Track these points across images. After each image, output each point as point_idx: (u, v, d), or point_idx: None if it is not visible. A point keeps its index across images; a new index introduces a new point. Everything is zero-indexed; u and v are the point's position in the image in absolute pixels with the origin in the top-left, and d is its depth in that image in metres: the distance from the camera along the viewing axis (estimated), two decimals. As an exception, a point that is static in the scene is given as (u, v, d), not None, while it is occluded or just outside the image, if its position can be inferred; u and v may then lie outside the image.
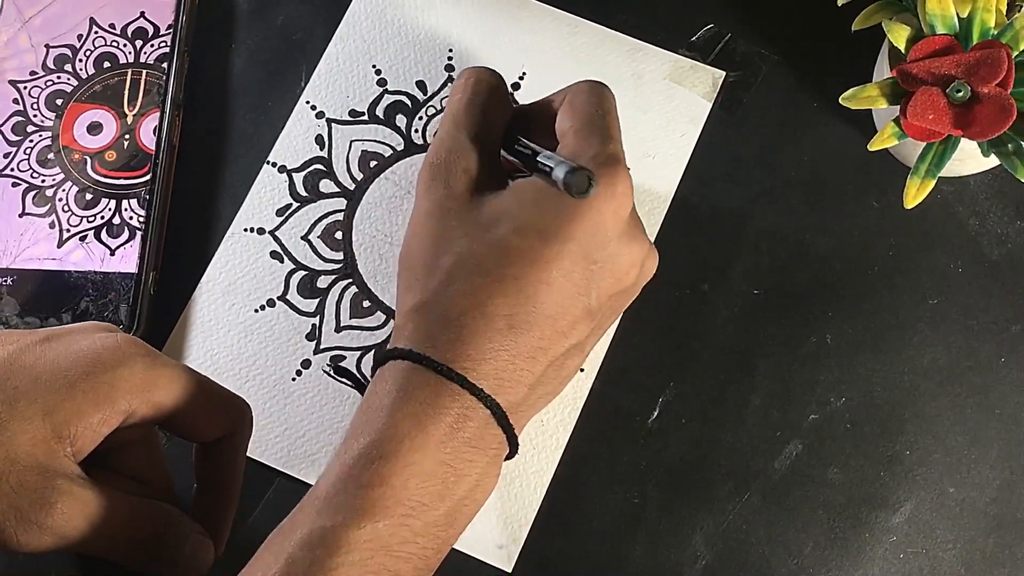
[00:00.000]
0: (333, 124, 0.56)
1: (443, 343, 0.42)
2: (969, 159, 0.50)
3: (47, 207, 0.53)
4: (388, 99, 0.56)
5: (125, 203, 0.53)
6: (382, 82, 0.57)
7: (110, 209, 0.53)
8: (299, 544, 0.39)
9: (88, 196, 0.53)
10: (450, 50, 0.57)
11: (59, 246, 0.52)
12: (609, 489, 0.51)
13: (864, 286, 0.53)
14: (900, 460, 0.51)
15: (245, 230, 0.54)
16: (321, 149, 0.56)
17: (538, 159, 0.43)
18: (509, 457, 0.44)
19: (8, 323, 0.51)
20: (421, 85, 0.57)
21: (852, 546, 0.50)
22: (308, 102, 0.56)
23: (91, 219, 0.53)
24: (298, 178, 0.55)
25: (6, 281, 0.52)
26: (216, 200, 0.55)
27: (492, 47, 0.57)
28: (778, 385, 0.52)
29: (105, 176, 0.53)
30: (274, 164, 0.55)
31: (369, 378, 0.51)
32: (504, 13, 0.57)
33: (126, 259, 0.52)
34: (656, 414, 0.52)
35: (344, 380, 0.50)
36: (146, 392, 0.42)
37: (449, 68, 0.57)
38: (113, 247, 0.52)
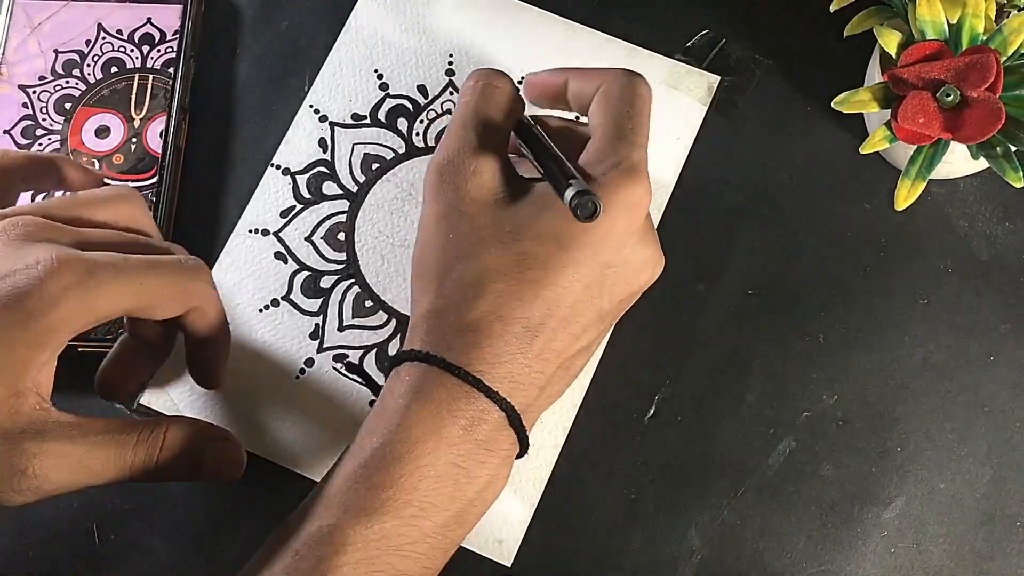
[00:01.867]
0: (336, 127, 0.56)
1: (459, 346, 0.41)
2: (959, 162, 0.50)
3: None
4: (390, 103, 0.56)
5: None
6: (384, 86, 0.57)
7: None
8: (306, 540, 0.39)
9: None
10: (450, 55, 0.57)
11: None
12: (607, 485, 0.51)
13: (856, 286, 0.53)
14: (891, 456, 0.51)
15: (250, 231, 0.54)
16: (324, 152, 0.56)
17: (547, 176, 0.44)
18: (519, 457, 0.43)
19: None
20: (422, 89, 0.57)
21: (844, 541, 0.50)
22: (311, 106, 0.56)
23: None
24: (302, 180, 0.55)
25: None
26: (221, 202, 0.55)
27: (491, 52, 0.57)
28: (772, 383, 0.52)
29: (113, 179, 0.53)
30: (278, 167, 0.55)
31: (373, 376, 0.51)
32: (503, 19, 0.57)
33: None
34: (653, 411, 0.52)
35: (355, 377, 0.50)
36: (88, 315, 0.39)
37: (449, 73, 0.57)
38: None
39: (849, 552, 0.50)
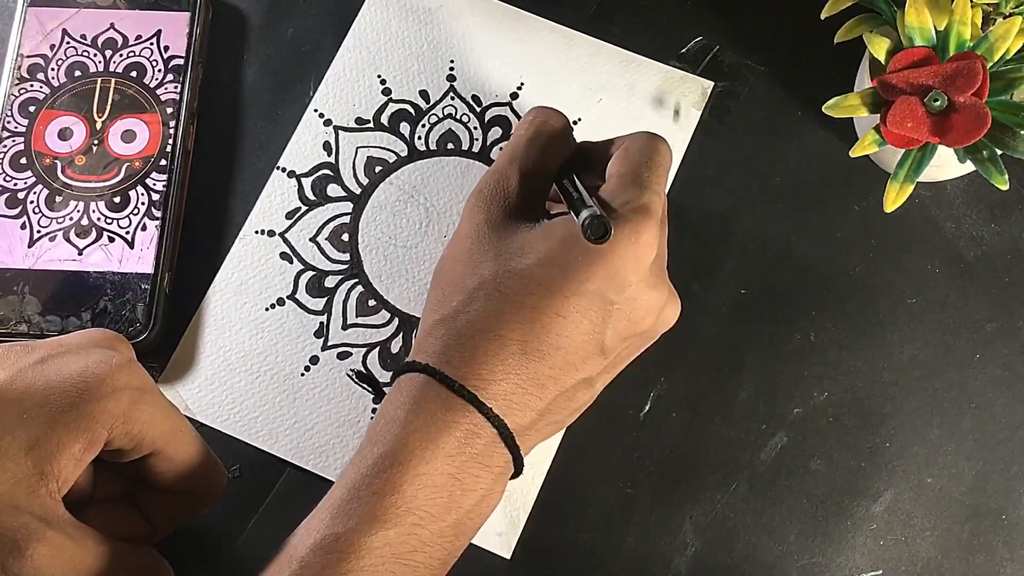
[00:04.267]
0: (340, 131, 0.56)
1: (458, 360, 0.41)
2: (946, 165, 0.50)
3: (18, 209, 0.53)
4: (392, 107, 0.56)
5: (93, 205, 0.53)
6: (387, 91, 0.57)
7: (79, 211, 0.53)
8: (313, 548, 0.38)
9: (58, 199, 0.53)
10: (451, 61, 0.57)
11: (29, 246, 0.52)
12: (603, 479, 0.51)
13: (846, 286, 0.53)
14: (880, 452, 0.51)
15: (256, 232, 0.54)
16: (329, 155, 0.56)
17: (566, 198, 0.43)
18: (514, 476, 0.43)
19: (30, 321, 0.51)
20: (424, 94, 0.56)
21: (834, 533, 0.50)
22: (316, 110, 0.56)
23: (60, 220, 0.53)
24: (307, 183, 0.55)
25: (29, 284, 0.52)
26: (228, 204, 0.55)
27: (491, 59, 0.57)
28: (764, 380, 0.52)
29: (74, 179, 0.53)
30: (284, 169, 0.55)
31: (382, 384, 0.51)
32: (503, 26, 0.57)
33: (143, 260, 0.52)
34: (648, 408, 0.52)
35: (364, 385, 0.49)
36: (127, 424, 0.40)
37: (451, 78, 0.57)
38: (133, 246, 0.52)
39: (839, 545, 0.50)
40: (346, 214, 0.55)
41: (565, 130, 0.47)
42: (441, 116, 0.56)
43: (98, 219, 0.53)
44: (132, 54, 0.56)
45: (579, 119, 0.56)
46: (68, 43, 0.56)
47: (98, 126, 0.54)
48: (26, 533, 0.37)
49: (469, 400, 0.41)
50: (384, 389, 0.50)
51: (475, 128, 0.56)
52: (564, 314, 0.42)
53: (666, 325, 0.46)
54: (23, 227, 0.53)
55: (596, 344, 0.43)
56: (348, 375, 0.52)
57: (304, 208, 0.55)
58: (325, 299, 0.53)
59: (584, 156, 0.48)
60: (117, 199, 0.53)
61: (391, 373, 0.44)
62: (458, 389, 0.41)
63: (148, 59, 0.56)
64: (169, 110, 0.55)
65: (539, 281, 0.42)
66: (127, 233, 0.53)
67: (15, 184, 0.53)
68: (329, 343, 0.52)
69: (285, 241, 0.54)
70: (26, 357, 0.40)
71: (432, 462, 0.40)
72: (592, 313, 0.42)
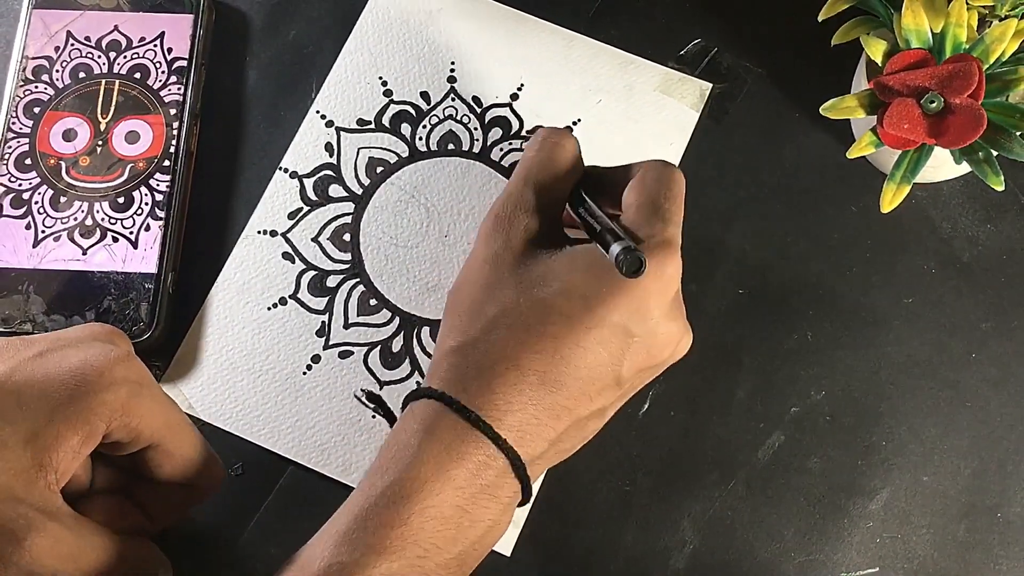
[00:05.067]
0: (342, 132, 0.56)
1: (474, 389, 0.41)
2: (942, 166, 0.50)
3: (23, 209, 0.53)
4: (393, 109, 0.56)
5: (97, 205, 0.53)
6: (388, 93, 0.57)
7: (83, 211, 0.53)
8: None
9: (62, 199, 0.53)
10: (452, 63, 0.57)
11: (34, 246, 0.52)
12: (602, 477, 0.51)
13: (843, 286, 0.53)
14: (876, 450, 0.51)
15: (258, 232, 0.54)
16: (330, 156, 0.56)
17: (599, 230, 0.42)
18: (521, 504, 0.43)
19: (35, 321, 0.51)
20: (425, 96, 0.56)
21: (831, 531, 0.50)
22: (318, 111, 0.56)
23: (64, 220, 0.53)
24: (309, 183, 0.55)
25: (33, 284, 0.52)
26: (231, 204, 0.55)
27: (492, 60, 0.57)
28: (762, 379, 0.52)
29: (79, 180, 0.53)
30: (286, 170, 0.55)
31: (392, 407, 0.51)
32: (503, 28, 0.57)
33: (147, 260, 0.52)
34: (647, 406, 0.52)
35: (372, 406, 0.48)
36: (125, 417, 0.40)
37: (451, 80, 0.57)
38: (137, 246, 0.52)
39: (836, 542, 0.50)
40: (347, 214, 0.55)
41: (576, 151, 0.47)
42: (442, 117, 0.56)
43: (102, 219, 0.53)
44: (136, 56, 0.56)
45: (578, 120, 0.56)
46: (72, 45, 0.56)
47: (102, 127, 0.54)
48: (25, 524, 0.37)
49: (484, 431, 0.40)
50: (394, 411, 0.49)
51: (475, 129, 0.56)
52: (585, 345, 0.41)
53: (678, 356, 0.45)
54: (28, 227, 0.53)
55: (613, 375, 0.42)
56: (356, 396, 0.51)
57: (306, 208, 0.55)
58: (327, 298, 0.53)
59: (596, 181, 0.47)
60: (121, 199, 0.53)
61: (405, 397, 0.43)
62: (474, 420, 0.40)
63: (152, 61, 0.56)
64: (172, 111, 0.55)
65: (561, 311, 0.41)
66: (131, 233, 0.53)
67: (20, 184, 0.53)
68: (331, 342, 0.52)
69: (287, 241, 0.54)
70: (25, 350, 0.40)
71: (442, 494, 0.39)
72: (612, 345, 0.41)
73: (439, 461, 0.39)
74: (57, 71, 0.55)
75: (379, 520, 0.39)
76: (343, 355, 0.52)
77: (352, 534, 0.38)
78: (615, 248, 0.40)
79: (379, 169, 0.55)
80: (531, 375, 0.41)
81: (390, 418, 0.47)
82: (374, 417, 0.51)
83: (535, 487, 0.50)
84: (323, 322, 0.53)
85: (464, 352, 0.42)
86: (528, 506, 0.50)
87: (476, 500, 0.40)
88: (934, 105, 0.45)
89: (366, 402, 0.48)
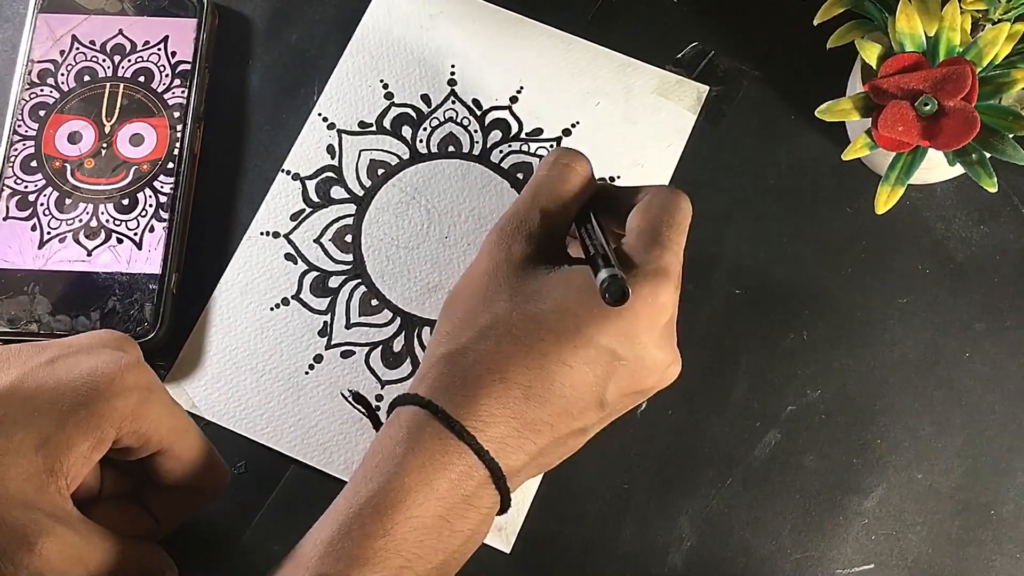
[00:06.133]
0: (343, 135, 0.56)
1: (459, 399, 0.41)
2: (936, 168, 0.50)
3: (29, 211, 0.53)
4: (395, 111, 0.56)
5: (102, 207, 0.53)
6: (389, 95, 0.57)
7: (88, 213, 0.53)
8: None
9: (67, 201, 0.53)
10: (452, 66, 0.57)
11: (40, 247, 0.52)
12: (601, 475, 0.51)
13: (838, 286, 0.53)
14: (871, 448, 0.51)
15: (261, 234, 0.54)
16: (332, 158, 0.56)
17: (591, 254, 0.43)
18: (500, 514, 0.43)
19: (41, 321, 0.51)
20: (425, 98, 0.57)
21: (827, 528, 0.50)
22: (320, 114, 0.56)
23: (69, 222, 0.53)
24: (311, 185, 0.55)
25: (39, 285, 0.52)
26: (234, 206, 0.55)
27: (492, 63, 0.57)
28: (758, 378, 0.52)
29: (84, 182, 0.53)
30: (288, 172, 0.55)
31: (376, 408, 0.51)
32: (503, 32, 0.57)
33: (151, 261, 0.52)
34: (644, 405, 0.52)
35: (358, 407, 0.48)
36: (134, 423, 0.40)
37: (452, 83, 0.57)
38: (142, 247, 0.52)
39: (831, 539, 0.50)
40: (349, 216, 0.55)
41: (587, 174, 0.46)
42: (442, 119, 0.56)
43: (107, 221, 0.53)
44: (140, 59, 0.56)
45: (577, 122, 0.56)
46: (77, 49, 0.56)
47: (107, 130, 0.55)
48: (36, 528, 0.37)
49: (468, 443, 0.40)
50: (378, 414, 0.49)
51: (475, 131, 0.56)
52: (571, 364, 0.41)
53: (665, 384, 0.45)
54: (33, 229, 0.53)
55: (597, 397, 0.42)
56: (343, 395, 0.51)
57: (308, 210, 0.55)
58: (329, 299, 0.53)
59: (606, 200, 0.47)
60: (125, 201, 0.53)
61: (391, 402, 0.43)
62: (458, 430, 0.40)
63: (156, 64, 0.56)
64: (176, 114, 0.55)
65: (551, 328, 0.41)
66: (135, 235, 0.53)
67: (25, 187, 0.53)
68: (333, 342, 0.53)
69: (290, 242, 0.54)
70: (37, 357, 0.40)
71: (425, 504, 0.39)
72: (598, 367, 0.41)
73: (423, 472, 0.39)
74: (62, 74, 0.55)
75: (363, 531, 0.39)
76: (345, 355, 0.52)
77: (336, 543, 0.39)
78: (602, 274, 0.40)
79: (380, 171, 0.56)
80: (516, 388, 0.41)
81: (374, 420, 0.47)
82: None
83: (535, 483, 0.50)
84: (325, 322, 0.53)
85: (453, 360, 0.42)
86: (528, 504, 0.50)
87: (457, 510, 0.40)
88: (928, 108, 0.45)
89: (353, 403, 0.48)
